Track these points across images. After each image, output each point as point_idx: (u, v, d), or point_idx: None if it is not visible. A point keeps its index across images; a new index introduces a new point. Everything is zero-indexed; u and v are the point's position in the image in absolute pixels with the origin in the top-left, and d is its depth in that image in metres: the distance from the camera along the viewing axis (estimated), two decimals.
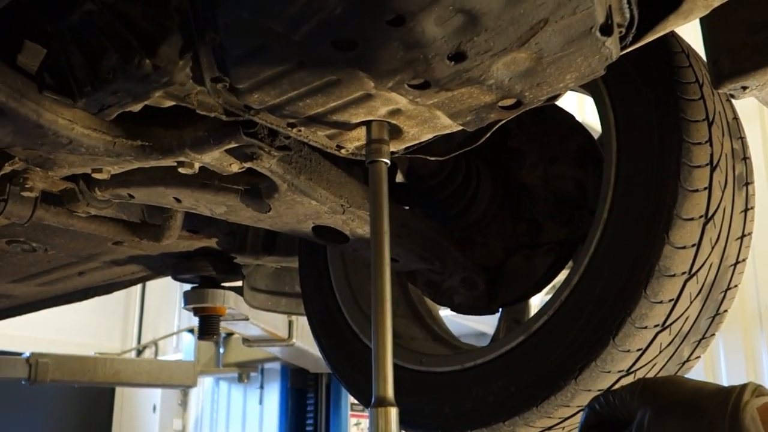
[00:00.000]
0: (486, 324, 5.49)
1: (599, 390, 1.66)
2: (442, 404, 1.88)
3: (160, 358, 8.39)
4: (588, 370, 1.64)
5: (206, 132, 1.48)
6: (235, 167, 1.58)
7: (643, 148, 1.64)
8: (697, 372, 5.08)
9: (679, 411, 1.04)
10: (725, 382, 5.20)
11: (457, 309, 2.17)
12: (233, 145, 1.48)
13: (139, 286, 9.14)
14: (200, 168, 1.58)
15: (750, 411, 0.98)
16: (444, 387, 1.90)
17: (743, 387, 1.02)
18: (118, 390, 8.78)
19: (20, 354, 4.67)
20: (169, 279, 2.86)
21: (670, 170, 1.58)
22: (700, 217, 1.59)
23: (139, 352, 8.84)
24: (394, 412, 1.22)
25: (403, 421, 1.97)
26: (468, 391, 1.84)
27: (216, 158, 1.54)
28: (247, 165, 1.57)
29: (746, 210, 1.71)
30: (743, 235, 1.72)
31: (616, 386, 1.66)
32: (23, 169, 1.66)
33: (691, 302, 1.63)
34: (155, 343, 8.63)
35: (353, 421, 5.55)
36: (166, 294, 8.94)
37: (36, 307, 3.23)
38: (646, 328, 1.60)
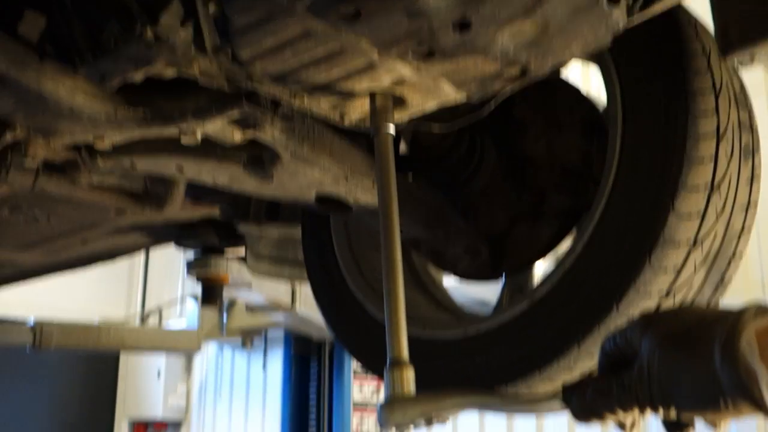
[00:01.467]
0: (489, 293, 5.50)
1: None
2: (446, 371, 1.89)
3: (163, 324, 8.43)
4: (591, 335, 1.64)
5: (208, 101, 1.47)
6: (238, 136, 1.57)
7: (649, 118, 1.63)
8: None
9: (678, 342, 0.99)
10: None
11: (461, 276, 2.17)
12: (235, 114, 1.47)
13: (142, 254, 9.15)
14: (202, 137, 1.57)
15: (747, 335, 0.90)
16: (448, 354, 1.91)
17: (743, 310, 0.94)
18: (123, 356, 8.83)
19: (24, 320, 4.68)
20: (172, 246, 2.86)
21: (676, 140, 1.57)
22: (706, 186, 1.58)
23: (143, 319, 8.88)
24: (410, 373, 1.21)
25: None
26: (471, 358, 1.85)
27: (218, 127, 1.53)
28: (250, 134, 1.56)
29: (752, 180, 1.71)
30: (749, 205, 1.71)
31: None
32: (24, 138, 1.65)
33: (696, 271, 1.63)
34: (159, 310, 8.67)
35: (356, 387, 5.58)
36: (170, 261, 8.96)
37: (40, 275, 3.23)
38: (650, 295, 1.60)
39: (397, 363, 1.22)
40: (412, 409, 1.15)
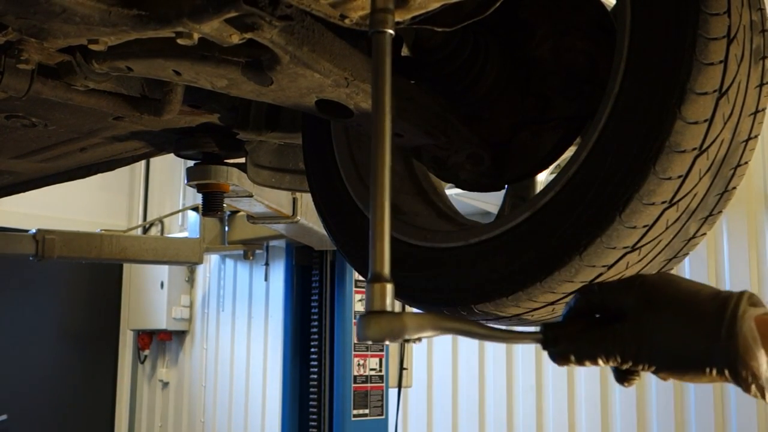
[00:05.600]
0: (491, 204, 5.50)
1: (603, 266, 1.66)
2: (446, 280, 1.89)
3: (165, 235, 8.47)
4: (593, 246, 1.63)
5: (205, 1, 1.43)
6: (236, 38, 1.53)
7: (659, 19, 1.58)
8: (700, 253, 5.10)
9: (675, 309, 1.10)
10: (727, 263, 5.22)
11: (463, 185, 2.15)
12: (233, 14, 1.43)
13: (143, 164, 9.14)
14: (200, 39, 1.53)
15: (748, 320, 1.04)
16: (448, 263, 1.90)
17: (741, 295, 1.07)
18: (126, 267, 8.90)
19: (27, 231, 4.68)
20: (173, 158, 2.83)
21: (685, 42, 1.53)
22: (714, 91, 1.54)
23: (146, 230, 8.92)
24: (389, 288, 1.22)
25: (406, 297, 1.98)
26: (472, 266, 1.84)
27: (215, 29, 1.49)
28: (248, 36, 1.52)
29: (761, 85, 1.66)
30: (757, 111, 1.67)
31: (621, 262, 1.66)
32: (17, 39, 1.62)
33: (701, 178, 1.61)
34: (161, 220, 8.69)
35: (357, 297, 5.62)
36: (171, 172, 8.95)
37: (39, 184, 3.22)
38: (653, 204, 1.58)
39: (377, 277, 1.24)
40: (390, 326, 1.18)
